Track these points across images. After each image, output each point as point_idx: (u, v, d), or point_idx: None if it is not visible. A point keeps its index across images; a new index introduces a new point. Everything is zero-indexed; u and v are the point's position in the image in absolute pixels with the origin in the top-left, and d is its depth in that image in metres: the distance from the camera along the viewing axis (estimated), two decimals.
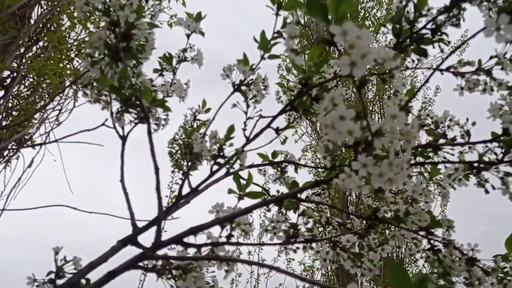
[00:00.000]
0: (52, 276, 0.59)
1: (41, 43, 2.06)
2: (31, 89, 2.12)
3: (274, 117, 0.68)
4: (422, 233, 0.56)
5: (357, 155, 0.39)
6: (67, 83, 2.03)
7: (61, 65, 2.01)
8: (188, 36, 0.82)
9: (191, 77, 0.86)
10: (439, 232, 0.59)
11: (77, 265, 0.59)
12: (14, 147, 2.06)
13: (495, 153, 0.58)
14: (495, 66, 0.57)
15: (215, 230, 0.56)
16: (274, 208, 0.65)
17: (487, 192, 0.57)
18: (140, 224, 0.60)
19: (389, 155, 0.39)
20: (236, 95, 0.76)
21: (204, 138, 0.73)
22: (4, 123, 2.00)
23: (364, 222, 0.59)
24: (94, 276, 0.54)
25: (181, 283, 0.50)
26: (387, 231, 0.63)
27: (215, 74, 0.77)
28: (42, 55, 1.98)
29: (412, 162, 0.61)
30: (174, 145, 0.90)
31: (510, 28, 0.36)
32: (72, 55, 2.16)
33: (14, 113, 2.10)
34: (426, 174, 0.66)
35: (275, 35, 0.70)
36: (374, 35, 5.69)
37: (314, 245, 0.58)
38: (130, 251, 0.57)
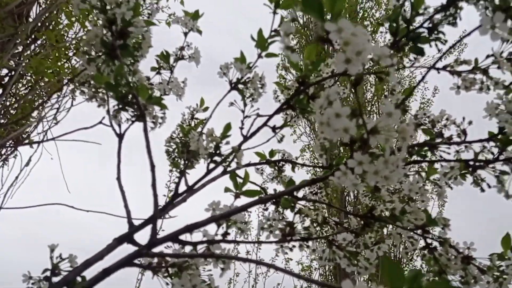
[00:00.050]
0: (48, 273, 0.59)
1: (39, 42, 2.06)
2: (29, 88, 2.12)
3: (271, 116, 0.68)
4: (418, 231, 0.56)
5: (353, 153, 0.39)
6: (65, 82, 2.03)
7: (59, 63, 2.00)
8: (185, 34, 0.82)
9: (191, 77, 0.86)
10: (437, 231, 0.59)
11: (72, 263, 0.59)
12: (11, 145, 2.06)
13: (492, 153, 0.58)
14: (491, 65, 0.58)
15: (211, 228, 0.56)
16: (272, 208, 0.65)
17: (482, 190, 0.57)
18: (136, 223, 0.60)
19: (384, 153, 0.39)
20: (234, 94, 0.76)
21: (201, 136, 0.73)
22: (1, 121, 2.00)
23: (360, 220, 0.59)
24: (90, 274, 0.54)
25: (177, 280, 0.50)
26: (384, 230, 0.63)
27: (214, 73, 0.77)
28: (40, 53, 1.98)
29: (408, 160, 0.61)
30: (171, 143, 0.90)
31: (505, 26, 0.36)
32: (70, 54, 2.16)
33: (12, 111, 2.09)
34: (423, 174, 0.67)
35: (273, 33, 0.70)
36: (373, 35, 5.70)
37: (310, 243, 0.58)
38: (127, 250, 0.57)
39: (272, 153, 0.89)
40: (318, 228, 0.65)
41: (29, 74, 2.03)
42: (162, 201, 0.65)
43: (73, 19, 2.00)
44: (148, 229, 0.58)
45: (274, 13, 0.69)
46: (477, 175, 0.58)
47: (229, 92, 0.74)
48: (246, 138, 0.70)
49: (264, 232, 0.59)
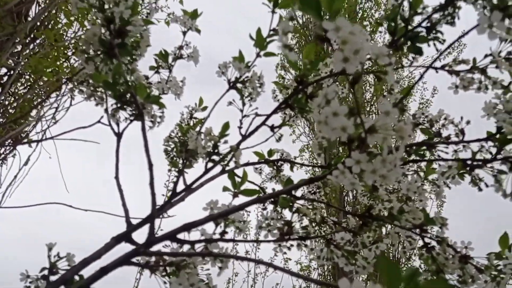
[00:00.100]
0: (46, 272, 0.59)
1: (38, 41, 2.06)
2: (28, 87, 2.11)
3: (269, 115, 0.68)
4: (416, 231, 0.56)
5: (351, 152, 0.39)
6: (64, 81, 2.03)
7: (58, 63, 2.00)
8: (184, 33, 0.82)
9: (190, 76, 0.86)
10: (435, 231, 0.59)
11: (70, 262, 0.59)
12: (10, 144, 2.06)
13: (490, 153, 0.58)
14: (489, 65, 0.58)
15: (209, 227, 0.56)
16: (271, 207, 0.65)
17: (480, 189, 0.57)
18: (135, 222, 0.60)
19: (382, 152, 0.39)
20: (233, 94, 0.76)
21: (199, 135, 0.73)
22: (0, 120, 1.99)
23: (358, 220, 0.59)
24: (88, 273, 0.54)
25: (174, 279, 0.50)
26: (383, 230, 0.63)
27: (213, 73, 0.77)
28: (38, 52, 1.97)
29: (407, 160, 0.61)
30: (170, 143, 0.90)
31: (502, 25, 0.36)
32: (69, 53, 2.15)
33: (11, 110, 2.09)
34: (421, 174, 0.67)
35: (271, 32, 0.70)
36: (372, 35, 5.70)
37: (308, 242, 0.58)
38: (125, 249, 0.57)
39: (270, 152, 0.89)
40: (316, 228, 0.65)
41: (28, 73, 2.03)
42: (161, 201, 0.65)
43: (72, 18, 2.00)
44: (146, 228, 0.58)
45: (273, 12, 0.69)
46: (475, 175, 0.58)
47: (228, 91, 0.74)
48: (244, 137, 0.70)
49: (262, 231, 0.59)
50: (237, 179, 0.69)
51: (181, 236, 0.55)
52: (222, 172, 0.72)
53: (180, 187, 0.69)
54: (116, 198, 0.63)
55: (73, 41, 2.14)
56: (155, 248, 0.54)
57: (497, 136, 0.56)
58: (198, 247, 0.55)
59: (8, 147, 2.07)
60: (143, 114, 0.60)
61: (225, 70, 0.74)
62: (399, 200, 0.60)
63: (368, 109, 5.99)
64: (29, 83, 2.11)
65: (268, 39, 0.70)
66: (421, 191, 0.61)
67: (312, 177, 0.54)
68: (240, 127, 0.74)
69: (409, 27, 0.54)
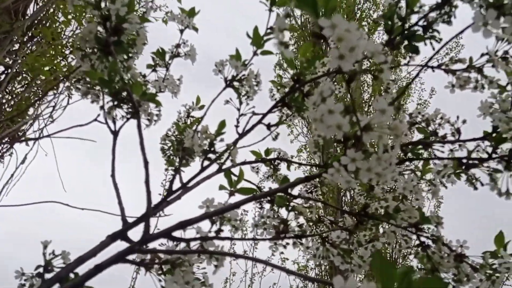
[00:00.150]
0: (41, 270, 0.58)
1: (35, 39, 2.05)
2: (25, 86, 2.11)
3: (266, 113, 0.68)
4: (411, 229, 0.56)
5: (346, 150, 0.39)
6: (61, 79, 2.02)
7: (55, 61, 1.99)
8: (181, 31, 0.82)
9: (188, 75, 0.86)
10: (432, 230, 0.59)
11: (65, 260, 0.58)
12: (7, 142, 2.05)
13: (487, 152, 0.58)
14: (486, 64, 0.58)
15: (205, 225, 0.56)
16: (267, 206, 0.65)
17: (475, 188, 0.57)
18: (131, 220, 0.60)
19: (377, 150, 0.39)
20: (230, 92, 0.76)
21: (195, 134, 0.73)
22: None
23: (354, 218, 0.59)
24: (83, 271, 0.54)
25: (170, 277, 0.49)
26: (380, 229, 0.63)
27: (211, 71, 0.77)
28: (36, 51, 1.97)
29: (403, 158, 0.61)
30: (166, 141, 0.90)
31: (497, 23, 0.36)
32: (67, 52, 2.15)
33: (8, 109, 2.09)
34: (418, 173, 0.67)
35: (268, 31, 0.70)
36: (370, 35, 5.71)
37: (304, 241, 0.58)
38: (122, 247, 0.57)
39: (267, 151, 0.89)
40: (313, 226, 0.65)
41: (25, 72, 2.02)
42: (157, 200, 0.64)
43: (70, 16, 1.99)
44: (142, 226, 0.58)
45: (270, 10, 0.69)
46: (470, 174, 0.58)
47: (224, 89, 0.74)
48: (240, 136, 0.70)
49: (259, 230, 0.59)
50: (234, 178, 0.69)
51: (176, 234, 0.55)
52: (219, 170, 0.72)
53: (177, 185, 0.69)
54: (113, 196, 0.63)
55: (70, 40, 2.13)
56: (151, 246, 0.54)
57: (493, 135, 0.56)
58: (194, 245, 0.55)
59: (5, 146, 2.07)
60: (139, 112, 0.60)
61: (222, 68, 0.74)
62: (395, 199, 0.60)
63: (366, 109, 6.00)
64: (26, 82, 2.10)
65: (265, 38, 0.70)
66: (417, 190, 0.61)
67: (308, 176, 0.54)
68: (237, 126, 0.74)
69: (406, 26, 0.54)
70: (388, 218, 0.56)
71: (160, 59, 0.82)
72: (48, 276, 0.58)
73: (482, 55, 0.57)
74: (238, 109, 0.76)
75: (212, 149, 0.70)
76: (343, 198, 5.68)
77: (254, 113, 0.76)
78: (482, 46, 0.58)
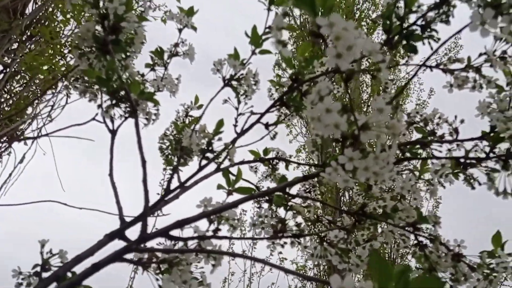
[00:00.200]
0: (38, 269, 0.58)
1: (34, 38, 2.05)
2: (24, 85, 2.10)
3: (264, 113, 0.68)
4: (409, 229, 0.56)
5: (344, 149, 0.39)
6: (59, 78, 2.02)
7: (53, 60, 1.99)
8: (180, 30, 0.82)
9: (187, 74, 0.86)
10: (429, 229, 0.59)
11: (63, 259, 0.58)
12: (5, 142, 2.05)
13: (485, 152, 0.58)
14: (484, 64, 0.58)
15: (203, 224, 0.56)
16: (266, 206, 0.65)
17: (473, 188, 0.57)
18: (129, 220, 0.60)
19: (375, 149, 0.39)
20: (229, 92, 0.76)
21: (194, 133, 0.73)
22: None
23: (352, 218, 0.59)
24: (80, 270, 0.54)
25: (167, 276, 0.49)
26: (378, 229, 0.63)
27: (210, 70, 0.76)
28: (34, 50, 1.97)
29: (400, 158, 0.61)
30: (164, 140, 0.90)
31: (494, 23, 0.36)
32: (65, 51, 2.14)
33: (6, 108, 2.08)
34: (416, 173, 0.67)
35: (267, 30, 0.70)
36: (369, 35, 5.71)
37: (302, 240, 0.58)
38: (120, 246, 0.57)
39: (266, 151, 0.89)
40: (311, 226, 0.65)
41: (24, 71, 2.02)
42: (155, 199, 0.64)
43: (68, 15, 1.99)
44: (139, 225, 0.58)
45: (269, 9, 0.68)
46: (468, 174, 0.58)
47: (223, 88, 0.74)
48: (239, 135, 0.70)
49: (257, 229, 0.59)
50: (232, 177, 0.69)
51: (174, 233, 0.55)
52: (217, 170, 0.72)
53: (175, 184, 0.69)
54: (111, 195, 0.63)
55: (69, 39, 2.13)
56: (149, 245, 0.54)
57: (491, 134, 0.56)
58: (192, 244, 0.55)
59: (3, 145, 2.06)
60: (137, 111, 0.60)
61: (220, 67, 0.73)
62: (393, 198, 0.60)
63: (365, 109, 6.00)
64: (24, 81, 2.10)
65: (263, 37, 0.70)
66: (415, 189, 0.61)
67: (306, 175, 0.54)
68: (235, 125, 0.74)
69: (404, 25, 0.54)
70: (386, 218, 0.56)
71: (159, 58, 0.82)
72: (45, 275, 0.57)
73: (480, 54, 0.57)
74: (237, 109, 0.76)
75: (210, 148, 0.69)
76: (342, 198, 5.69)
77: (252, 113, 0.76)
78: (481, 46, 0.58)
